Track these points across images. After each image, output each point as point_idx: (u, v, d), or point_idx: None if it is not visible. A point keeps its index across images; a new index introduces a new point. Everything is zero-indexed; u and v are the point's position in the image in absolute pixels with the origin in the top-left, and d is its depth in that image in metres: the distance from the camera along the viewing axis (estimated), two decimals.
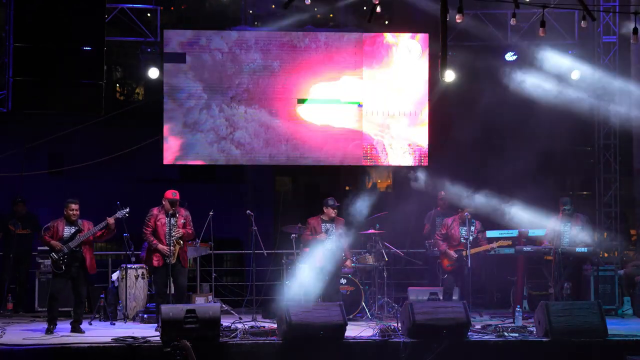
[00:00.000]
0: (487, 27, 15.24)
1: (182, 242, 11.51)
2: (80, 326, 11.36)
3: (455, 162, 15.81)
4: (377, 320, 12.22)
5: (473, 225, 12.16)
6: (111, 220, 11.33)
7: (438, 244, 12.41)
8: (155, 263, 11.49)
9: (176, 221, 11.49)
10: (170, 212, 11.46)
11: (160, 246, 11.43)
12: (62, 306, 11.72)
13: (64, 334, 11.13)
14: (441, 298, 12.51)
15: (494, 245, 12.29)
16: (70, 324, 11.38)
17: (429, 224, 14.18)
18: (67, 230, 11.35)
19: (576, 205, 13.28)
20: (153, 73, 14.60)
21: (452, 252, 12.15)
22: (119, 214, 11.44)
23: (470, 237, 12.08)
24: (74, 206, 11.38)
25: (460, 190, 13.25)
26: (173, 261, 11.42)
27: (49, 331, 11.15)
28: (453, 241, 12.23)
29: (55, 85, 12.16)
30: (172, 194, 11.54)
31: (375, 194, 18.83)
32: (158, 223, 11.51)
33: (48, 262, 12.62)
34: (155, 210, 11.60)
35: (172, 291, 11.60)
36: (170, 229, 11.41)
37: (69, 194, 11.81)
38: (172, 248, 11.41)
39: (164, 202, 11.57)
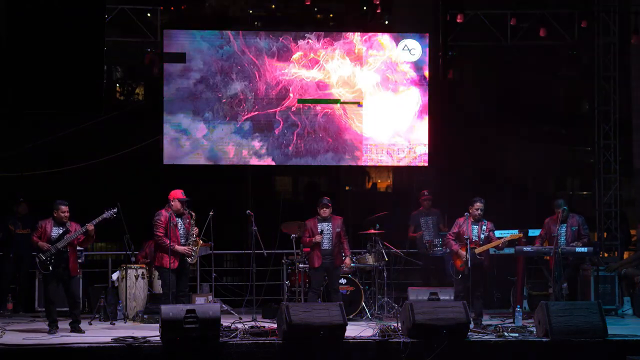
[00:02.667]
0: (487, 27, 15.25)
1: (201, 241, 11.53)
2: (80, 326, 11.36)
3: (455, 162, 15.83)
4: (377, 320, 12.21)
5: (485, 225, 12.05)
6: (90, 226, 11.27)
7: (450, 243, 12.12)
8: (169, 265, 11.35)
9: (184, 221, 11.50)
10: (180, 212, 11.46)
11: (178, 247, 11.37)
12: (60, 306, 11.70)
13: (64, 334, 11.13)
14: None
15: (505, 239, 12.12)
16: (70, 324, 11.38)
17: (413, 225, 14.15)
18: (56, 231, 11.33)
19: (576, 205, 13.29)
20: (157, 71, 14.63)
21: (464, 252, 11.97)
22: (105, 215, 11.38)
23: (482, 236, 11.99)
24: (64, 208, 11.33)
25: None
26: (194, 261, 11.45)
27: (52, 332, 11.15)
28: (464, 240, 12.08)
29: (55, 85, 12.12)
30: (181, 193, 11.50)
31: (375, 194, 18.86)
32: (170, 225, 11.46)
33: None
34: (164, 212, 11.52)
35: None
36: (185, 230, 11.43)
37: (69, 194, 11.80)
38: (194, 247, 11.43)
39: (172, 203, 11.51)
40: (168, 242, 11.36)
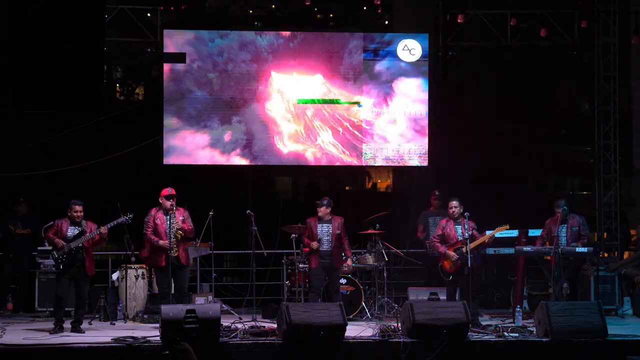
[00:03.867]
0: (487, 27, 15.25)
1: (182, 234, 11.48)
2: (81, 327, 11.37)
3: (455, 162, 15.83)
4: (377, 320, 12.21)
5: (467, 224, 12.06)
6: (104, 230, 11.35)
7: (436, 246, 12.19)
8: (161, 262, 11.39)
9: (174, 216, 11.48)
10: (167, 208, 11.46)
11: (161, 242, 11.41)
12: (67, 306, 11.71)
13: (64, 334, 11.14)
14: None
15: (492, 233, 12.11)
16: (71, 323, 11.40)
17: (422, 225, 14.14)
18: (71, 231, 11.40)
19: (576, 205, 13.28)
20: (156, 72, 14.63)
21: (451, 252, 12.01)
22: (121, 219, 11.44)
23: (466, 235, 11.99)
24: (77, 208, 11.41)
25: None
26: (175, 254, 11.40)
27: (55, 332, 11.18)
28: (450, 241, 12.14)
29: (55, 85, 12.12)
30: (167, 190, 11.55)
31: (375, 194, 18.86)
32: (157, 222, 11.49)
33: (49, 261, 12.66)
34: (153, 211, 11.58)
35: (173, 290, 11.61)
36: (169, 224, 11.42)
37: (68, 194, 11.82)
38: (172, 240, 11.42)
39: (160, 201, 11.57)
40: (154, 238, 11.41)
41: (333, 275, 12.25)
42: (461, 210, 12.06)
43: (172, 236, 11.41)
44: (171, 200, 11.48)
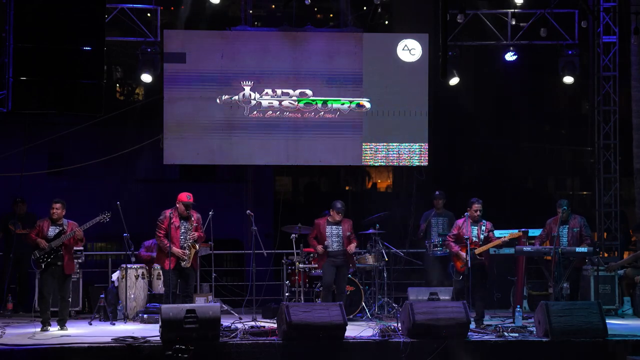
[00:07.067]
0: (487, 27, 15.25)
1: (197, 246, 11.51)
2: (66, 325, 11.43)
3: (455, 162, 15.85)
4: (377, 320, 12.22)
5: (484, 225, 12.06)
6: (79, 231, 11.41)
7: (450, 245, 12.16)
8: (167, 266, 11.40)
9: (190, 225, 11.49)
10: (184, 215, 11.45)
11: (175, 249, 11.36)
12: (55, 305, 11.72)
13: (64, 334, 11.15)
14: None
15: (505, 238, 12.13)
16: (57, 322, 11.47)
17: (424, 225, 14.16)
18: (52, 230, 11.50)
19: (576, 205, 13.29)
20: (146, 78, 14.60)
21: (463, 254, 11.94)
22: (98, 218, 11.48)
23: (482, 236, 11.99)
24: (55, 205, 11.55)
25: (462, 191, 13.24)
26: (188, 265, 11.43)
27: (44, 330, 11.25)
28: (465, 242, 12.08)
29: (55, 86, 12.13)
30: (187, 196, 11.52)
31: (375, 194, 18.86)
32: (172, 226, 11.45)
33: None
34: (168, 212, 11.53)
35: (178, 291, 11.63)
36: (185, 233, 11.43)
37: (68, 194, 11.85)
38: (187, 252, 11.42)
39: (177, 205, 11.53)
40: (167, 243, 11.37)
41: (341, 275, 12.30)
42: (481, 213, 12.06)
43: (187, 249, 11.43)
44: (189, 210, 11.47)
